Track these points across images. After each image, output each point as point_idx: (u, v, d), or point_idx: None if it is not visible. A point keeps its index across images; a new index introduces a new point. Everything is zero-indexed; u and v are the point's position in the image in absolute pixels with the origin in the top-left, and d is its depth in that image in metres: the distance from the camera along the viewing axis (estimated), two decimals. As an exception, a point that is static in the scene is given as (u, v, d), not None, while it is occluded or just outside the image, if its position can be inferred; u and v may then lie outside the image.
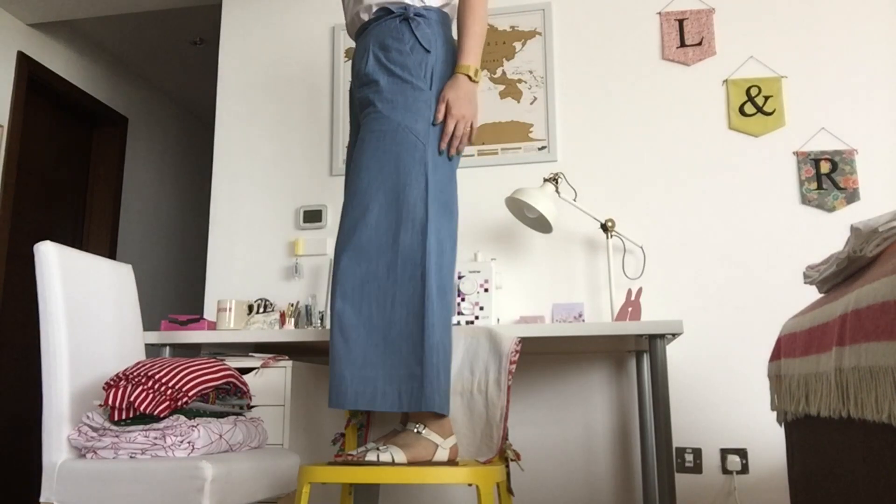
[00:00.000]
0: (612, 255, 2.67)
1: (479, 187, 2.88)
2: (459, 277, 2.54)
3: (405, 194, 1.73)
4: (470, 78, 1.82)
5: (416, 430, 1.69)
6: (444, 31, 1.91)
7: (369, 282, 1.70)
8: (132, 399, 1.70)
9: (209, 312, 3.00)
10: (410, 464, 1.61)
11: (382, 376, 1.66)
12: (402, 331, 1.67)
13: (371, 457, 1.57)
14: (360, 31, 1.96)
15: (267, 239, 3.04)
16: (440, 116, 1.80)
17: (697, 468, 2.53)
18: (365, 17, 1.94)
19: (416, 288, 1.68)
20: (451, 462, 1.71)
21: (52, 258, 1.80)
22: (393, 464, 1.57)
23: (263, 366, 2.28)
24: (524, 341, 2.27)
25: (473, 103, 1.82)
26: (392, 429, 1.84)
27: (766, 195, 2.67)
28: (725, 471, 2.51)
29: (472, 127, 1.83)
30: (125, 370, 1.76)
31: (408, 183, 1.73)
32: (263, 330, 2.38)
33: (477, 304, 2.51)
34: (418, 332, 1.66)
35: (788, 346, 1.53)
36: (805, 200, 2.64)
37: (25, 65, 3.79)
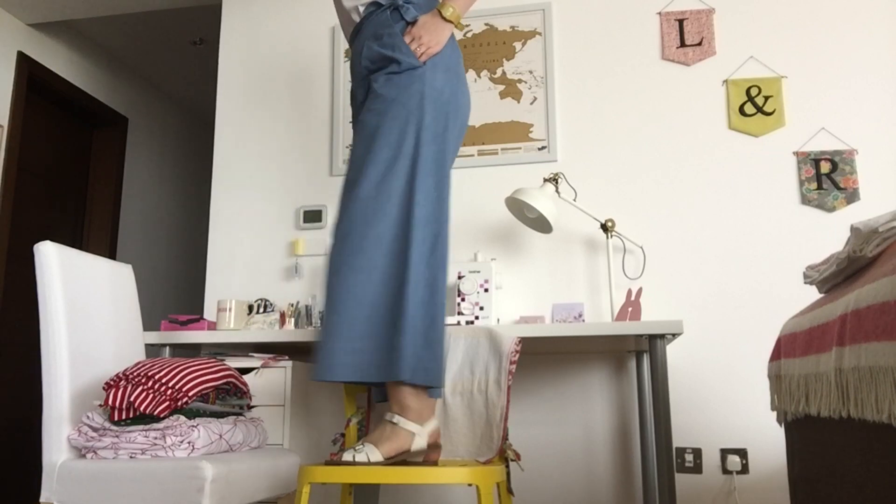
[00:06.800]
0: (612, 255, 2.67)
1: (479, 187, 2.88)
2: (459, 277, 2.54)
3: (395, 167, 1.72)
4: (442, 15, 1.84)
5: (391, 421, 1.66)
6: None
7: (356, 253, 1.69)
8: (132, 399, 1.70)
9: (209, 312, 3.00)
10: (387, 460, 1.59)
11: (368, 348, 1.66)
12: (381, 299, 1.67)
13: (347, 457, 1.57)
14: (354, 34, 1.97)
15: (267, 239, 3.03)
16: (406, 39, 1.83)
17: (697, 468, 2.53)
18: (356, 17, 1.95)
19: (397, 258, 1.68)
20: (433, 447, 1.70)
21: (52, 258, 1.80)
22: (368, 463, 1.56)
23: (263, 366, 2.28)
24: (524, 341, 2.27)
25: (432, 31, 1.83)
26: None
27: (766, 195, 2.67)
28: (725, 471, 2.51)
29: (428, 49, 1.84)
30: (125, 370, 1.76)
31: (398, 156, 1.73)
32: (263, 330, 2.38)
33: (477, 304, 2.50)
34: (395, 300, 1.66)
35: (788, 346, 1.53)
36: (805, 200, 2.64)
37: (25, 65, 3.79)
